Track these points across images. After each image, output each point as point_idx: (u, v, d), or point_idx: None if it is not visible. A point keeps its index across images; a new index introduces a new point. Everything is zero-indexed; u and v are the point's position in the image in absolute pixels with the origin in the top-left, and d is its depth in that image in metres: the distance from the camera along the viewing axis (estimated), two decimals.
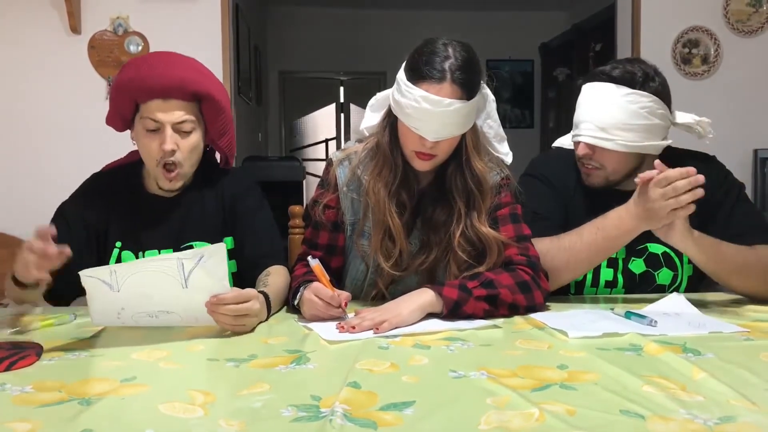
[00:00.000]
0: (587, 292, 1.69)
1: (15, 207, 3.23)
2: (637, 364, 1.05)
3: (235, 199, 1.67)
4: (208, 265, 1.23)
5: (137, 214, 1.62)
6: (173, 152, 1.52)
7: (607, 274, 1.66)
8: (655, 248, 1.65)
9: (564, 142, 1.79)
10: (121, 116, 1.58)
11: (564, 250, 1.53)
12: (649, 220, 1.43)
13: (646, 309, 1.43)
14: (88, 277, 1.21)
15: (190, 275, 1.23)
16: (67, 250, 1.23)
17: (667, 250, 1.65)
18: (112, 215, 1.62)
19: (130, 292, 1.23)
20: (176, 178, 1.57)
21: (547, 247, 1.53)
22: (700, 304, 1.47)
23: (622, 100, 1.54)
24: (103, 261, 1.59)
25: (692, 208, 1.39)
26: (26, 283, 1.34)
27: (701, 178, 1.36)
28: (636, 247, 1.64)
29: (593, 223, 1.51)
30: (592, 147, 1.58)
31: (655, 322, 1.29)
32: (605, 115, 1.55)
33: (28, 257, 1.24)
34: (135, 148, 1.62)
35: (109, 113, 1.60)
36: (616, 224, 1.48)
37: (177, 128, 1.53)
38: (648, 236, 1.61)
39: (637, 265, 1.66)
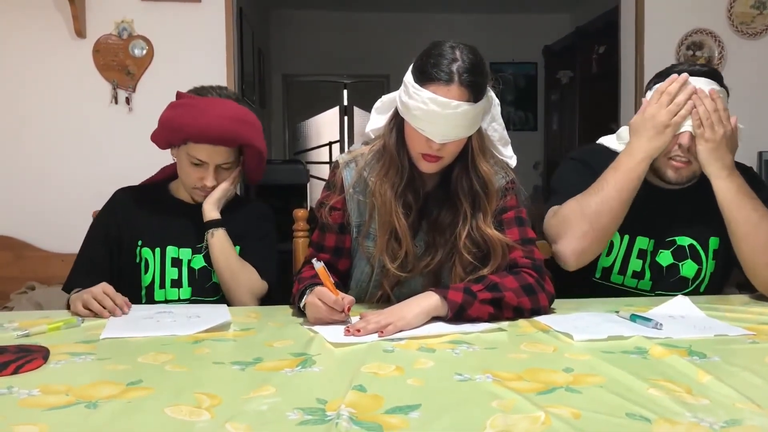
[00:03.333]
0: (614, 279, 1.72)
1: (20, 211, 3.23)
2: (643, 367, 1.05)
3: (252, 220, 1.85)
4: (213, 320, 1.39)
5: (161, 214, 1.79)
6: (213, 187, 1.73)
7: (635, 264, 1.69)
8: (683, 240, 1.69)
9: (608, 142, 1.81)
10: (168, 143, 1.76)
11: (592, 195, 1.61)
12: (655, 137, 1.59)
13: (652, 312, 1.43)
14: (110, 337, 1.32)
15: (198, 326, 1.36)
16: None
17: (694, 242, 1.68)
18: (134, 219, 1.78)
19: (142, 327, 1.38)
20: (210, 194, 1.76)
21: (575, 202, 1.62)
22: (705, 307, 1.47)
23: (714, 95, 1.60)
24: (127, 260, 1.75)
25: (688, 111, 1.57)
26: None
27: (691, 88, 1.58)
28: (665, 239, 1.68)
29: (608, 169, 1.63)
30: (693, 139, 1.61)
31: (661, 325, 1.29)
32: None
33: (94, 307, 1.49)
34: (166, 163, 1.83)
35: (157, 135, 1.76)
36: (627, 157, 1.61)
37: (218, 166, 1.72)
38: (677, 228, 1.68)
39: (665, 258, 1.69)
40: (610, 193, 1.59)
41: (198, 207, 1.77)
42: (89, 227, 1.81)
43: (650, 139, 1.60)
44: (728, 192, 1.58)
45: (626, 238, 1.69)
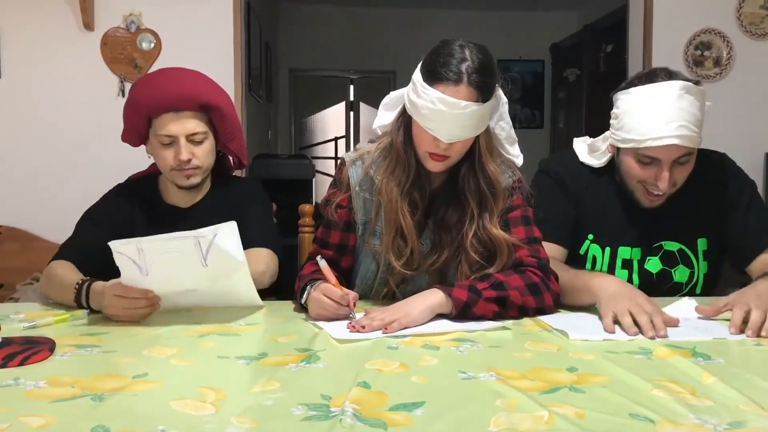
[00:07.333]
0: None
1: (26, 202, 3.25)
2: (647, 368, 1.05)
3: (240, 200, 1.76)
4: (221, 242, 1.35)
5: (155, 225, 1.69)
6: (189, 161, 1.63)
7: (621, 275, 1.65)
8: (671, 246, 1.66)
9: (580, 152, 1.73)
10: (136, 132, 1.69)
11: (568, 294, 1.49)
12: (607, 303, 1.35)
13: None
14: (119, 253, 1.32)
15: (208, 253, 1.34)
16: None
17: (683, 247, 1.66)
18: (133, 223, 1.72)
19: (158, 274, 1.34)
20: (193, 175, 1.67)
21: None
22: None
23: (694, 97, 1.50)
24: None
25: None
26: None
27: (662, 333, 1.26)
28: (652, 245, 1.66)
29: (587, 277, 1.47)
30: (686, 149, 1.51)
31: None
32: (688, 113, 1.48)
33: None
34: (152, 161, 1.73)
35: (124, 131, 1.71)
36: (589, 277, 1.46)
37: (190, 139, 1.64)
38: (663, 234, 1.64)
39: (654, 264, 1.66)
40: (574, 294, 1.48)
41: (191, 211, 1.73)
42: (87, 211, 1.77)
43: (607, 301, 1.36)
44: None
45: (607, 250, 1.66)
